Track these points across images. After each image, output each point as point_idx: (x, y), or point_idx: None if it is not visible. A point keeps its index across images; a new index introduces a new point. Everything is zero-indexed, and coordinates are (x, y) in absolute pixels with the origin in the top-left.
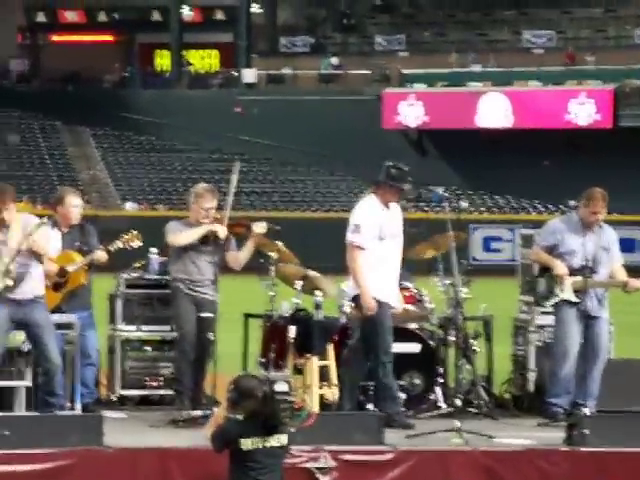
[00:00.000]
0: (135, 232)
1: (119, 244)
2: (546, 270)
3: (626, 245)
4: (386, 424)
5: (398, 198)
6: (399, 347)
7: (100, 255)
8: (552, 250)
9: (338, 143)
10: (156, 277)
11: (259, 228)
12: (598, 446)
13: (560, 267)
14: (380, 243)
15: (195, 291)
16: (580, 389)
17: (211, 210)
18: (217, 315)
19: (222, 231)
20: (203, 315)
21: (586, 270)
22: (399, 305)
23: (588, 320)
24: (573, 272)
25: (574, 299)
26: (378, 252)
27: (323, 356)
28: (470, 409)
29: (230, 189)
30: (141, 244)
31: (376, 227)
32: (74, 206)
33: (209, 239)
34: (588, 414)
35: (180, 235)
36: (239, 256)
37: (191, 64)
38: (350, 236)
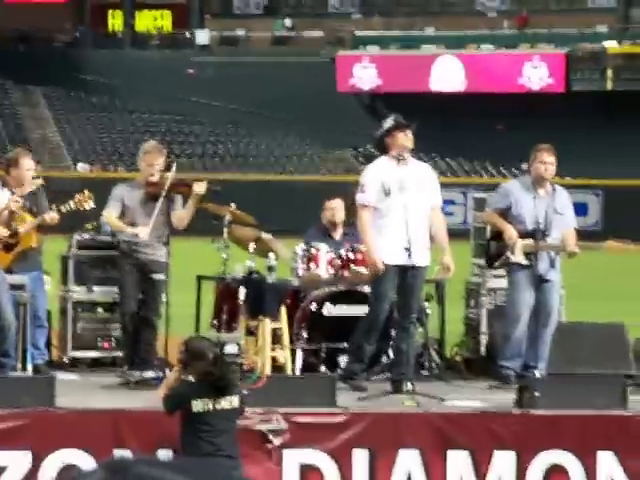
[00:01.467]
0: (87, 193)
1: (71, 205)
2: (498, 233)
3: (578, 209)
4: (341, 379)
5: (401, 142)
6: (352, 310)
7: (51, 216)
8: (505, 213)
9: (292, 106)
10: (108, 238)
11: (199, 187)
12: (548, 408)
13: (510, 230)
14: (386, 198)
15: (140, 252)
16: (531, 351)
17: (157, 166)
18: (168, 276)
19: (144, 233)
20: (152, 277)
21: (538, 233)
22: (418, 260)
23: (539, 283)
24: (525, 235)
25: (525, 262)
26: (384, 207)
27: (276, 318)
28: (422, 372)
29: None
30: (93, 205)
31: (377, 182)
32: (27, 169)
33: (154, 197)
34: (539, 377)
35: (110, 216)
36: (181, 215)
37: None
38: (356, 197)
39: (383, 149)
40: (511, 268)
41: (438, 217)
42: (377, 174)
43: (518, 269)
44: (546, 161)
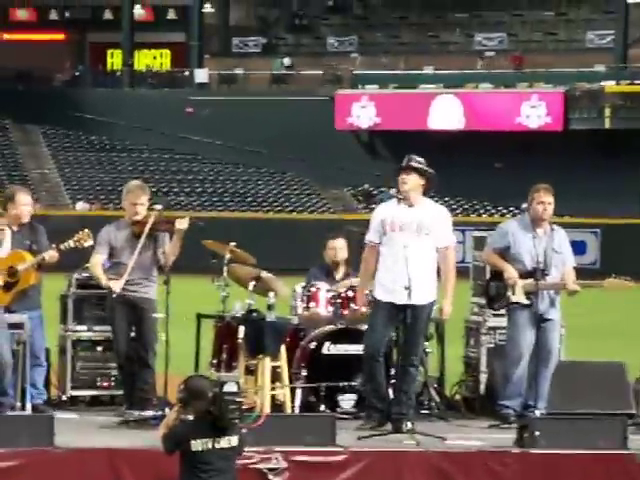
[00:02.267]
0: (86, 231)
1: (70, 243)
2: (498, 273)
3: (577, 248)
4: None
5: (408, 180)
6: (352, 348)
7: (51, 254)
8: (504, 252)
9: (290, 144)
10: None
11: (181, 224)
12: (548, 448)
13: (510, 270)
14: (387, 237)
15: (128, 290)
16: (531, 391)
17: (141, 205)
18: (167, 314)
19: (117, 286)
20: (143, 315)
21: (537, 272)
22: (417, 299)
23: (540, 322)
24: (525, 274)
25: (525, 301)
26: (384, 246)
27: (275, 357)
28: (422, 411)
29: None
30: (92, 243)
31: (377, 221)
32: (24, 204)
33: (139, 236)
34: (539, 416)
35: (93, 265)
36: (166, 251)
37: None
38: (366, 235)
39: None
40: (511, 308)
41: (445, 258)
42: (380, 213)
43: (519, 309)
44: (544, 201)
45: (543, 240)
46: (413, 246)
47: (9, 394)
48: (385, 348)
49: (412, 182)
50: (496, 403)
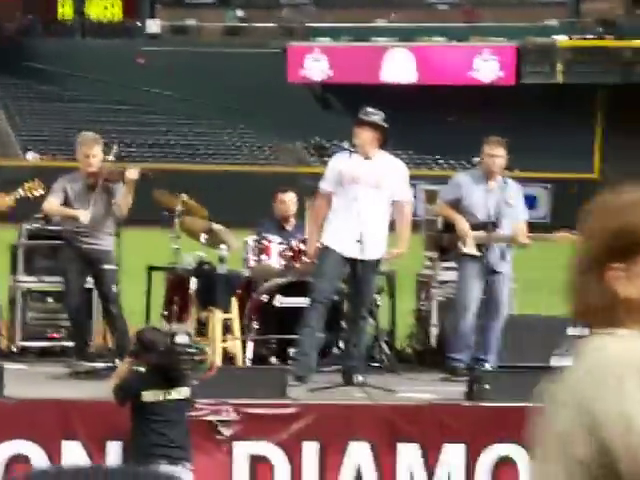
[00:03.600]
0: (37, 180)
1: (20, 192)
2: (450, 225)
3: (528, 202)
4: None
5: (356, 132)
6: (304, 301)
7: (1, 204)
8: (456, 204)
9: (243, 96)
10: (58, 228)
11: (131, 174)
12: (498, 401)
13: (462, 222)
14: (342, 189)
15: (83, 242)
16: (480, 344)
17: (94, 157)
18: (112, 264)
19: (84, 216)
20: (101, 267)
21: (489, 225)
22: (368, 253)
23: (490, 275)
24: (476, 227)
25: (476, 253)
26: (338, 197)
27: (226, 309)
28: (373, 363)
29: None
30: (43, 193)
31: (334, 171)
32: None
33: (94, 188)
34: (489, 369)
35: (50, 204)
36: (118, 202)
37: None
38: (320, 183)
39: None
40: (461, 260)
41: (400, 212)
42: (337, 163)
43: (468, 260)
44: (494, 154)
45: (495, 193)
46: (367, 199)
47: None
48: (331, 298)
49: (365, 136)
50: (446, 356)
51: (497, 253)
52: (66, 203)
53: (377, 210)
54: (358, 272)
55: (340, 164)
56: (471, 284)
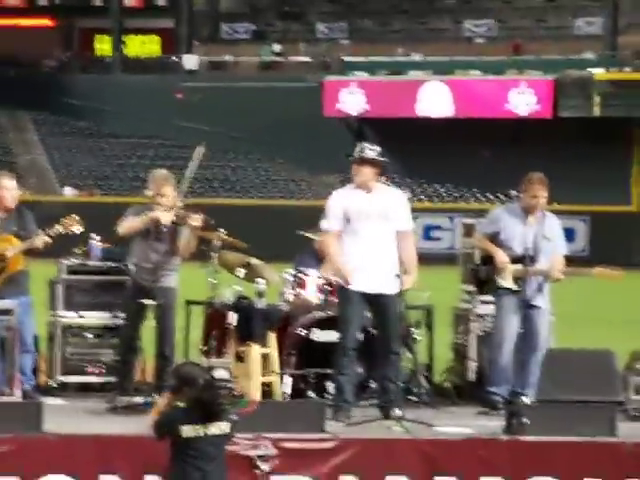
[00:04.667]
0: (74, 216)
1: (59, 228)
2: (489, 258)
3: (566, 235)
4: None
5: (356, 171)
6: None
7: (40, 239)
8: (494, 238)
9: (279, 130)
10: (97, 263)
11: (194, 221)
12: (537, 435)
13: (500, 255)
14: (349, 225)
15: (144, 279)
16: (519, 378)
17: (161, 197)
18: (175, 303)
19: (164, 217)
20: (161, 304)
21: (526, 258)
22: (385, 288)
23: (527, 309)
24: (513, 260)
25: (513, 287)
26: (346, 235)
27: (264, 344)
28: (411, 397)
29: (187, 175)
30: (82, 229)
31: (338, 208)
32: (8, 189)
33: (159, 226)
34: (527, 403)
35: (123, 223)
36: (181, 246)
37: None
38: (321, 222)
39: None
40: (498, 293)
41: (406, 241)
42: (340, 201)
43: (506, 294)
44: (538, 195)
45: (533, 227)
46: (377, 233)
47: None
48: (359, 338)
49: (366, 173)
50: (484, 390)
51: (534, 287)
52: (136, 236)
53: (387, 243)
54: (379, 310)
55: (343, 202)
56: (509, 318)
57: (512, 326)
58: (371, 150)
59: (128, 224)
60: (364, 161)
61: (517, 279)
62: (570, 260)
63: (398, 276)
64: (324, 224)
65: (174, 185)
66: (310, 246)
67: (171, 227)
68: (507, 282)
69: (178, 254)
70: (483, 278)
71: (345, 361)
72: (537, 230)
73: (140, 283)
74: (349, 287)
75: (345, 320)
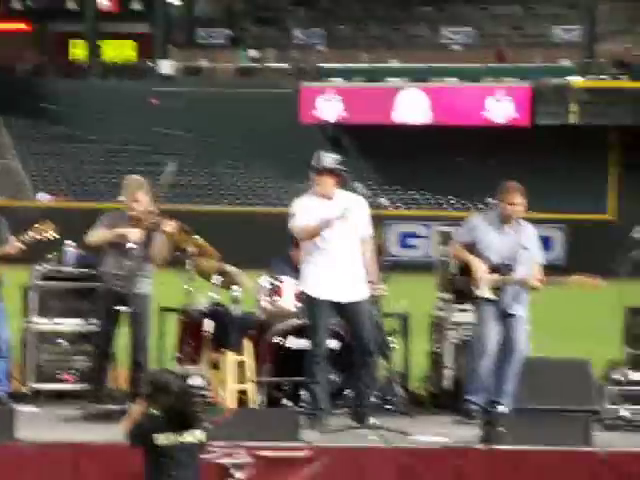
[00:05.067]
0: (48, 222)
1: (33, 235)
2: (466, 267)
3: (542, 244)
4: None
5: (320, 182)
6: None
7: (12, 247)
8: (470, 247)
9: (255, 137)
10: (72, 269)
11: (167, 227)
12: (514, 444)
13: (477, 264)
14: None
15: (117, 286)
16: (496, 387)
17: (134, 203)
18: (146, 309)
19: (133, 235)
20: (134, 311)
21: (504, 268)
22: (354, 295)
23: (505, 318)
24: (491, 269)
25: (491, 296)
26: (314, 244)
27: (239, 351)
28: (386, 406)
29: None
30: (56, 235)
31: (303, 216)
32: None
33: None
34: (504, 412)
35: (93, 233)
36: (154, 251)
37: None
38: (290, 224)
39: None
40: (478, 303)
41: (365, 249)
42: (302, 207)
43: (484, 304)
44: (514, 202)
45: (510, 235)
46: (342, 240)
47: None
48: (328, 346)
49: (328, 183)
50: (463, 398)
51: (510, 296)
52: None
53: (352, 249)
54: (349, 316)
55: (308, 208)
56: (489, 327)
57: (493, 335)
58: (331, 160)
59: (96, 237)
60: (325, 171)
61: (495, 289)
62: (547, 269)
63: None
64: (293, 226)
65: (148, 191)
66: (287, 253)
67: (144, 234)
68: (485, 292)
69: (152, 260)
70: (460, 288)
71: (317, 369)
72: (514, 239)
73: (113, 290)
74: (317, 296)
75: (314, 328)
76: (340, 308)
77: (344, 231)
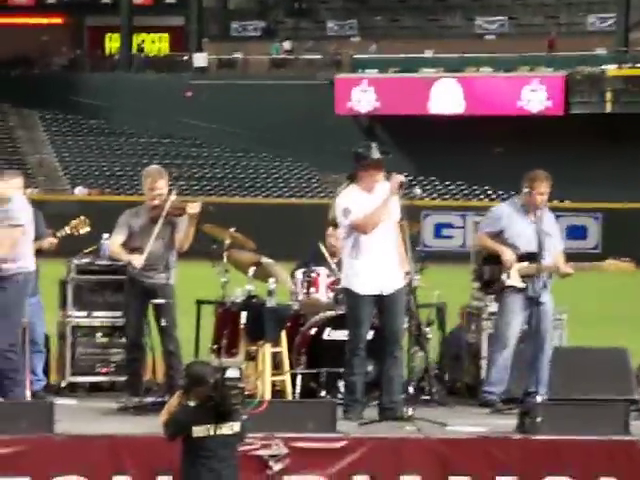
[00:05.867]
0: (83, 218)
1: (67, 230)
2: (492, 256)
3: (578, 232)
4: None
5: (374, 175)
6: None
7: (50, 241)
8: (497, 236)
9: (289, 129)
10: (107, 263)
11: (192, 208)
12: (550, 434)
13: (508, 253)
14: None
15: (144, 276)
16: (531, 376)
17: (159, 190)
18: (173, 300)
19: (137, 261)
20: (155, 302)
21: (532, 255)
22: (390, 286)
23: (535, 306)
24: (520, 258)
25: (521, 285)
26: (356, 238)
27: (276, 343)
28: (423, 396)
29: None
30: (89, 230)
31: (358, 209)
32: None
33: (156, 221)
34: (540, 402)
35: (112, 243)
36: (180, 237)
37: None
38: (346, 220)
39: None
40: (504, 292)
41: (400, 231)
42: (354, 203)
43: (512, 293)
44: (544, 191)
45: (535, 223)
46: (385, 233)
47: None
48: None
49: (374, 177)
50: (480, 391)
51: (540, 284)
52: (130, 237)
53: (391, 241)
54: (387, 305)
55: (358, 204)
56: (513, 318)
57: (517, 326)
58: (378, 152)
59: (112, 250)
60: (374, 164)
61: (523, 277)
62: (582, 257)
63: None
64: (352, 218)
65: (167, 179)
66: (319, 245)
67: (167, 222)
68: (514, 281)
69: (179, 247)
70: (487, 278)
71: (356, 361)
72: (539, 226)
73: (140, 281)
74: (359, 291)
75: (355, 321)
76: (380, 300)
77: (385, 223)
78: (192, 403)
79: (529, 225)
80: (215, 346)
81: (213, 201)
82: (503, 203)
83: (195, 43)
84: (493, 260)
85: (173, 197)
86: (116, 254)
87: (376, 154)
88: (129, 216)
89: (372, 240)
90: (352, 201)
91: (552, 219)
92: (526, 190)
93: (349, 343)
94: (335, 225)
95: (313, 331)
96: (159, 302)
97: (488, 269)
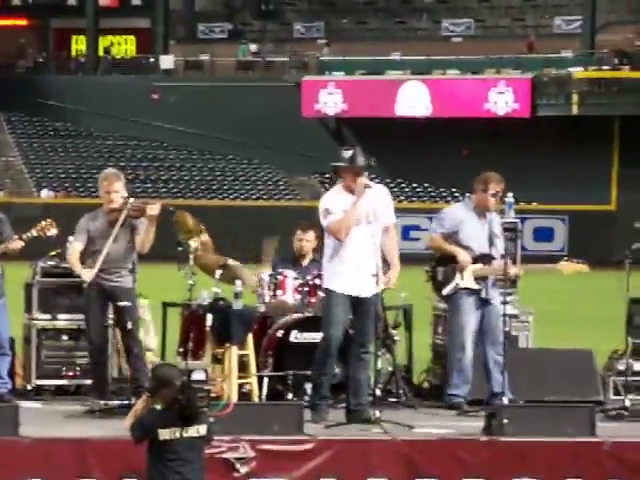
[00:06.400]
0: (50, 220)
1: (33, 232)
2: (445, 258)
3: (545, 234)
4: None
5: (354, 178)
6: (319, 336)
7: (14, 244)
8: (449, 237)
9: (256, 131)
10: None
11: (151, 210)
12: (516, 436)
13: (463, 255)
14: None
15: (103, 279)
16: (495, 378)
17: (116, 193)
18: (132, 301)
19: (86, 275)
20: (118, 304)
21: (485, 257)
22: (367, 290)
23: (486, 307)
24: (474, 260)
25: (475, 286)
26: (336, 240)
27: (242, 346)
28: (390, 398)
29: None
30: (56, 232)
31: (338, 212)
32: None
33: (115, 224)
34: (506, 404)
35: (71, 252)
36: (140, 239)
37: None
38: (324, 221)
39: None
40: (458, 293)
41: (390, 235)
42: (332, 205)
43: (465, 294)
44: (499, 191)
45: (486, 225)
46: (366, 237)
47: None
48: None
49: (362, 180)
50: (445, 394)
51: (489, 284)
52: (89, 241)
53: (373, 244)
54: (361, 308)
55: (335, 206)
56: (468, 318)
57: (472, 326)
58: (363, 157)
59: (69, 259)
60: (358, 169)
61: (477, 278)
62: (548, 259)
63: (375, 275)
64: (330, 219)
65: (124, 182)
66: (289, 247)
67: (126, 224)
68: (468, 282)
69: (138, 249)
70: (441, 279)
71: (328, 361)
72: (489, 228)
73: (99, 284)
74: (337, 290)
75: (331, 322)
76: (357, 302)
77: (368, 227)
78: (158, 406)
79: (482, 227)
80: (181, 349)
81: (180, 204)
82: (456, 204)
83: (161, 45)
84: (446, 261)
85: (132, 199)
86: (71, 264)
87: (358, 161)
88: (87, 220)
89: (352, 243)
90: (333, 202)
91: (498, 220)
92: (479, 192)
93: (322, 343)
94: (305, 228)
95: (280, 333)
96: (124, 304)
97: (441, 270)
